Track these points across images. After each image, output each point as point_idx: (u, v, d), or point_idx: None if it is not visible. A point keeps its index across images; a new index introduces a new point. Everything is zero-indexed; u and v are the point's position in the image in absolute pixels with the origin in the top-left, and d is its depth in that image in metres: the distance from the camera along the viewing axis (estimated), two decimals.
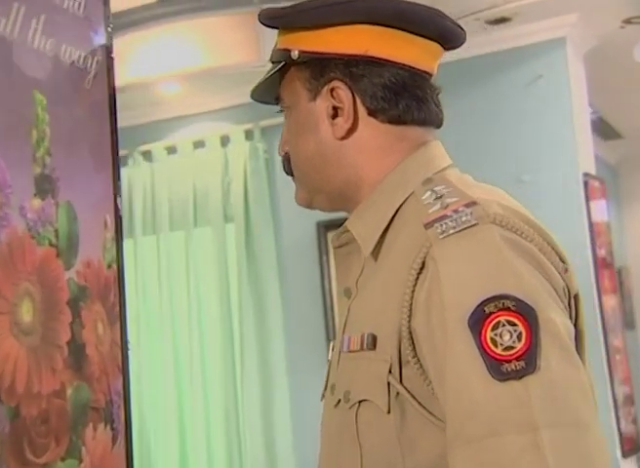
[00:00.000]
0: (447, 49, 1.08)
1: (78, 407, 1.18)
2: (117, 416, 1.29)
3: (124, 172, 3.56)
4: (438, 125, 1.08)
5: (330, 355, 1.08)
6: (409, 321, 0.89)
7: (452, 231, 0.88)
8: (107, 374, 1.28)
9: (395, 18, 1.00)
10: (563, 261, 0.93)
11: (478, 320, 0.82)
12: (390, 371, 0.91)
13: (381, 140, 1.03)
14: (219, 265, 3.52)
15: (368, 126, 1.03)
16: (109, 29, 1.36)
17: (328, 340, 3.43)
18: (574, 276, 0.95)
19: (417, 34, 1.01)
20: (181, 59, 3.42)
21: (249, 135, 3.55)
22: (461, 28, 1.07)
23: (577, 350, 0.89)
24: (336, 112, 1.03)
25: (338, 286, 1.10)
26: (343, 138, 1.03)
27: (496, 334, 0.81)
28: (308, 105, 1.05)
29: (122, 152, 3.42)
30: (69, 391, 1.16)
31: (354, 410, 0.96)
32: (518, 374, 0.79)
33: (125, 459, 1.31)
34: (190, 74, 3.42)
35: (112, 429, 1.27)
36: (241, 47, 3.42)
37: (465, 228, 0.88)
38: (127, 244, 3.48)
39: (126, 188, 3.60)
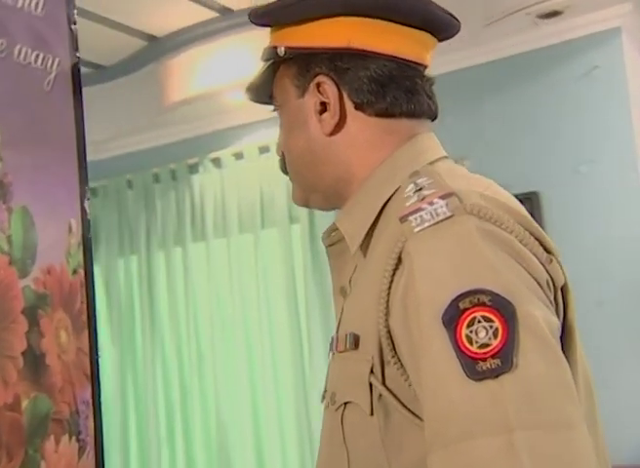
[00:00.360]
0: (441, 39, 1.05)
1: (36, 419, 1.12)
2: (85, 427, 1.23)
3: (195, 178, 3.69)
4: (431, 116, 1.04)
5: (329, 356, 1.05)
6: (386, 319, 0.86)
7: (427, 224, 0.84)
8: (73, 384, 1.21)
9: (377, 8, 0.97)
10: (549, 252, 0.88)
11: (453, 317, 0.78)
12: (372, 372, 0.87)
13: (370, 135, 1.00)
14: (285, 264, 3.59)
15: (356, 120, 1.00)
16: (73, 28, 1.31)
17: None
18: (561, 267, 0.90)
19: (402, 24, 0.98)
20: (244, 69, 3.50)
21: None
22: (453, 17, 1.03)
23: (565, 346, 0.85)
24: (324, 108, 1.00)
25: (334, 285, 1.06)
26: (332, 134, 1.00)
27: (471, 331, 0.76)
28: (297, 102, 1.02)
29: (193, 160, 3.59)
30: (25, 403, 1.11)
31: (340, 413, 0.93)
32: (494, 373, 0.75)
33: None
34: (243, 83, 3.50)
35: (79, 440, 1.21)
36: None
37: (441, 221, 0.84)
38: (199, 247, 3.65)
39: (198, 194, 3.73)
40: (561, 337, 0.85)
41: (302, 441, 3.50)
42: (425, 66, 1.03)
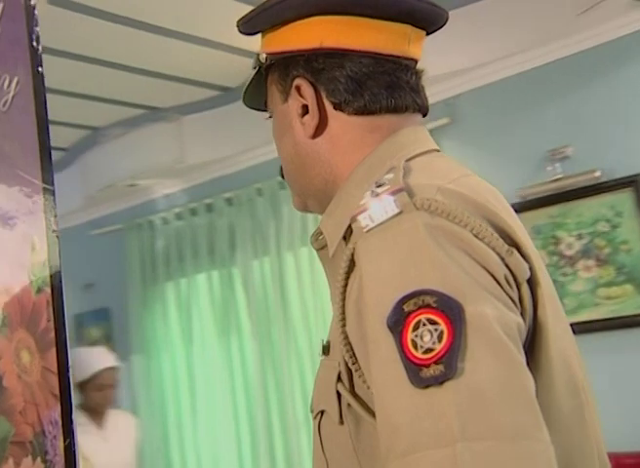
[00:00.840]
0: (429, 31, 1.01)
1: None
2: (53, 447, 1.18)
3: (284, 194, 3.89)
4: (418, 110, 0.99)
5: None
6: (343, 325, 0.82)
7: (375, 223, 0.79)
8: (37, 404, 1.16)
9: (348, 4, 0.93)
10: (516, 244, 0.81)
11: (398, 320, 0.72)
12: (340, 380, 0.83)
13: (352, 134, 0.96)
14: None
15: (337, 120, 0.96)
16: (35, 45, 1.25)
17: None
18: (528, 260, 0.81)
19: (378, 18, 0.93)
20: None
21: None
22: (436, 6, 0.98)
23: (535, 344, 0.79)
24: (305, 111, 0.97)
25: (329, 290, 0.99)
26: (315, 137, 0.97)
27: (416, 336, 0.70)
28: (283, 107, 1.00)
29: None
30: None
31: (317, 422, 0.90)
32: (437, 380, 0.68)
33: None
34: None
35: (45, 461, 1.17)
36: None
37: (389, 219, 0.78)
38: (288, 256, 3.84)
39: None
40: (532, 335, 0.80)
41: None
42: (411, 59, 0.98)
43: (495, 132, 3.55)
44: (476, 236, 0.77)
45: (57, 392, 1.19)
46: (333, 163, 0.96)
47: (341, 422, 0.84)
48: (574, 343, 0.91)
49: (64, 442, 1.19)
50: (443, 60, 3.52)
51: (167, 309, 4.45)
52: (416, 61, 0.99)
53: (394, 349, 0.71)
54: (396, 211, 0.78)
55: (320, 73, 0.95)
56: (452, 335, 0.70)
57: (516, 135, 3.48)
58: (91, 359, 3.39)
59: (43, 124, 1.23)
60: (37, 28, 1.26)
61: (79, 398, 3.28)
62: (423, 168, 0.88)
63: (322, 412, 0.88)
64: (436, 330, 0.70)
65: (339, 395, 0.84)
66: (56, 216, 1.25)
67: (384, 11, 0.93)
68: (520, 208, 3.38)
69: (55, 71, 3.45)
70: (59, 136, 4.35)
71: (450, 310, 0.71)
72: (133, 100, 4.01)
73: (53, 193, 1.23)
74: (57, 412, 1.18)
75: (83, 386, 3.31)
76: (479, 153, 3.59)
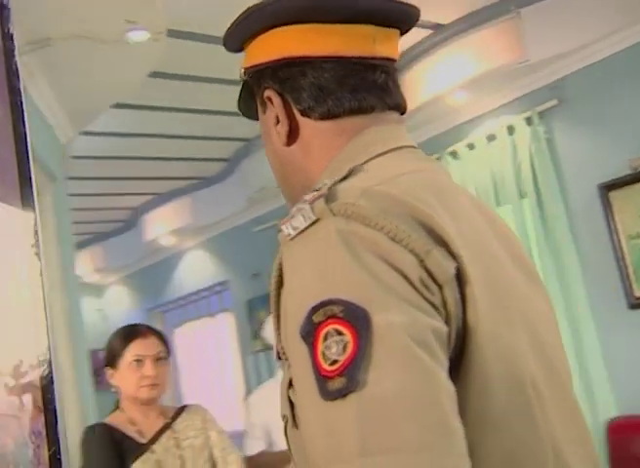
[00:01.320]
0: (403, 30, 0.98)
1: None
2: (37, 456, 1.23)
3: None
4: (388, 107, 0.95)
5: None
6: (278, 334, 0.80)
7: (295, 232, 0.77)
8: (19, 418, 1.21)
9: (303, 13, 0.91)
10: (445, 244, 0.76)
11: (309, 331, 0.70)
12: (291, 385, 0.78)
13: (321, 139, 0.94)
14: (520, 235, 3.94)
15: (306, 127, 0.94)
16: (13, 79, 1.32)
17: (624, 289, 3.61)
18: (457, 257, 0.76)
19: (336, 23, 0.91)
20: (463, 72, 3.94)
21: (529, 121, 3.91)
22: (401, 3, 0.94)
23: (464, 346, 0.74)
24: (278, 120, 0.96)
25: None
26: (290, 144, 0.96)
27: (326, 347, 0.68)
28: (263, 118, 0.99)
29: (435, 155, 4.09)
30: None
31: (284, 425, 0.86)
32: (341, 393, 0.66)
33: None
34: (472, 81, 3.92)
35: None
36: (506, 49, 3.81)
37: (306, 227, 0.76)
38: None
39: None
40: (463, 337, 0.75)
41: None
42: (381, 58, 0.94)
43: (602, 108, 3.69)
44: (392, 239, 0.73)
45: (40, 405, 1.24)
46: (307, 169, 0.95)
47: (296, 426, 0.80)
48: (538, 333, 0.85)
49: (49, 450, 1.25)
50: (546, 47, 3.71)
51: None
52: (389, 60, 0.95)
53: (307, 360, 0.69)
54: (313, 218, 0.76)
55: (285, 83, 0.94)
56: (356, 346, 0.67)
57: (623, 108, 3.61)
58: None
59: (23, 153, 1.27)
60: (16, 61, 1.30)
61: None
62: (372, 169, 0.86)
63: (284, 416, 0.84)
64: (342, 340, 0.67)
65: (290, 400, 0.80)
66: (37, 238, 1.27)
67: (341, 15, 0.91)
68: (631, 179, 3.51)
69: (209, 95, 4.01)
70: (220, 149, 4.95)
71: (356, 320, 0.68)
72: None
73: (34, 214, 1.25)
74: (40, 424, 1.24)
75: None
76: (589, 130, 3.75)
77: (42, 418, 1.25)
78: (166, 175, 5.42)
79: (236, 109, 1.08)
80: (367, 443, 0.65)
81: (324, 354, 0.68)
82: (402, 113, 0.99)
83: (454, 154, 4.22)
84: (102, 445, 2.16)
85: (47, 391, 1.25)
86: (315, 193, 0.78)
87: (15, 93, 1.28)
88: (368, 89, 0.93)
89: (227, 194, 5.37)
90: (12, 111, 1.28)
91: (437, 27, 3.96)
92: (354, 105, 0.92)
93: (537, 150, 3.87)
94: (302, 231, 0.76)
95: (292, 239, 0.77)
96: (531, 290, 0.90)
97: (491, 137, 4.06)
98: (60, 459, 1.26)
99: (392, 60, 0.96)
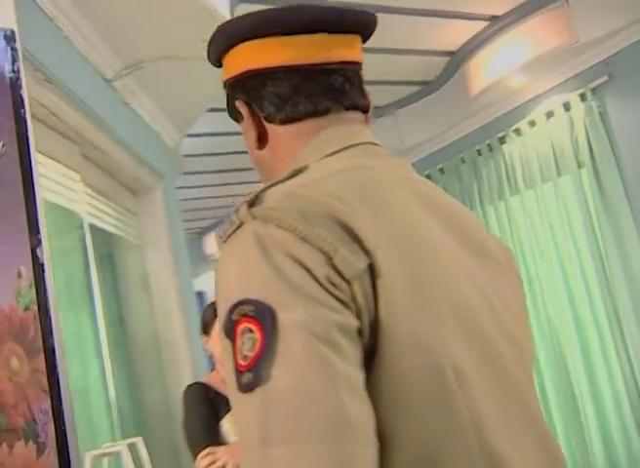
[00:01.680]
0: (364, 37, 1.02)
1: None
2: (44, 431, 1.32)
3: (505, 147, 4.53)
4: (345, 108, 0.99)
5: None
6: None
7: (224, 237, 0.82)
8: (27, 399, 1.31)
9: (258, 29, 0.96)
10: (360, 241, 0.78)
11: (230, 329, 0.75)
12: None
13: (285, 142, 0.99)
14: (579, 204, 4.20)
15: (272, 132, 1.00)
16: (22, 112, 1.41)
17: None
18: (369, 253, 0.78)
19: (288, 34, 0.95)
20: (518, 56, 4.24)
21: (583, 97, 4.15)
22: (353, 11, 0.99)
23: (377, 341, 0.76)
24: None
25: None
26: (261, 148, 1.01)
27: (242, 344, 0.73)
28: (241, 125, 1.04)
29: (500, 134, 4.45)
30: None
31: None
32: (249, 387, 0.71)
33: (58, 465, 1.36)
34: (528, 65, 4.21)
35: (37, 443, 1.31)
36: (556, 33, 4.08)
37: (232, 231, 0.81)
38: (516, 199, 4.46)
39: (508, 158, 4.55)
40: (376, 329, 0.76)
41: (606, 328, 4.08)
42: (340, 63, 0.98)
43: None
44: (303, 239, 0.76)
45: (46, 388, 1.34)
46: (277, 170, 0.99)
47: None
48: (476, 321, 0.85)
49: (55, 426, 1.34)
50: (594, 27, 3.95)
51: None
52: (348, 63, 0.99)
53: (230, 355, 0.74)
54: (237, 222, 0.80)
55: (250, 93, 0.99)
56: (262, 344, 0.71)
57: None
58: None
59: (28, 178, 1.41)
60: (23, 96, 1.39)
61: None
62: (315, 169, 0.90)
63: None
64: (252, 338, 0.72)
65: None
66: (40, 248, 1.43)
67: (294, 27, 0.95)
68: None
69: None
70: None
71: (264, 318, 0.72)
72: None
73: (37, 229, 1.45)
74: (47, 404, 1.33)
75: None
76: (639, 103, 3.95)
77: (48, 400, 1.34)
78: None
79: None
80: (267, 433, 0.69)
81: (240, 350, 0.73)
82: (365, 112, 1.03)
83: (517, 131, 4.51)
84: (198, 400, 2.45)
85: (51, 376, 1.36)
86: (243, 198, 0.83)
87: (20, 123, 1.41)
88: (323, 93, 0.97)
89: None
90: (18, 140, 1.41)
91: (493, 19, 4.26)
92: (310, 109, 0.97)
93: (591, 124, 4.11)
94: (230, 235, 0.81)
95: (223, 242, 0.82)
96: (489, 276, 0.92)
97: (549, 114, 4.33)
98: (65, 434, 1.36)
99: (352, 63, 1.00)
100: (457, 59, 4.56)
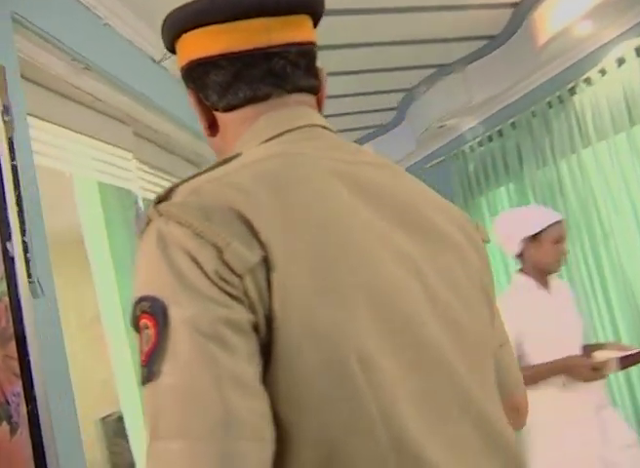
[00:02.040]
0: (315, 18, 1.00)
1: None
2: (16, 412, 1.36)
3: (576, 98, 4.34)
4: (286, 92, 0.97)
5: None
6: None
7: (140, 232, 0.82)
8: (0, 383, 1.34)
9: (196, 19, 0.95)
10: (256, 234, 0.77)
11: (135, 324, 0.77)
12: None
13: (230, 129, 0.99)
14: None
15: (220, 120, 1.00)
16: (11, 142, 1.55)
17: None
18: (264, 247, 0.76)
19: (226, 21, 0.94)
20: (583, 3, 4.03)
21: None
22: None
23: (273, 334, 0.74)
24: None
25: None
26: (213, 135, 1.02)
27: (142, 339, 0.74)
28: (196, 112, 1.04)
29: (570, 84, 4.27)
30: None
31: None
32: (144, 381, 0.72)
33: (31, 444, 1.39)
34: (593, 11, 3.99)
35: (10, 423, 1.33)
36: None
37: (144, 229, 0.81)
38: (588, 151, 4.29)
39: (579, 109, 4.36)
40: (271, 321, 0.75)
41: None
42: (280, 46, 0.95)
43: None
44: (197, 234, 0.76)
45: (17, 372, 1.39)
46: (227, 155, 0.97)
47: None
48: (400, 307, 0.83)
49: (27, 407, 1.40)
50: None
51: (483, 219, 5.27)
52: (291, 45, 0.96)
53: (137, 349, 0.75)
54: (147, 220, 0.81)
55: (196, 82, 0.99)
56: (155, 339, 0.72)
57: None
58: (539, 214, 3.11)
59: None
60: (11, 137, 1.56)
61: (521, 262, 3.08)
62: (240, 159, 0.90)
63: None
64: (148, 334, 0.73)
65: None
66: (10, 241, 1.48)
67: (230, 14, 0.93)
68: None
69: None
70: (388, 100, 5.41)
71: (157, 314, 0.72)
72: (430, 62, 4.85)
73: (7, 223, 1.51)
74: (19, 387, 1.38)
75: (535, 240, 3.00)
76: None
77: (20, 383, 1.41)
78: (340, 127, 5.99)
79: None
80: (157, 428, 0.69)
81: (141, 345, 0.74)
82: (314, 93, 1.01)
83: (588, 81, 4.30)
84: None
85: (23, 361, 1.43)
86: (155, 195, 0.84)
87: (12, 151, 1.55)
88: (263, 78, 0.96)
89: (400, 138, 5.84)
90: (13, 174, 1.54)
91: None
92: (249, 95, 0.96)
93: None
94: (142, 232, 0.81)
95: (139, 239, 0.82)
96: (430, 256, 0.90)
97: (620, 61, 4.10)
98: (37, 414, 1.42)
99: (298, 44, 0.97)
100: (521, 11, 4.37)
